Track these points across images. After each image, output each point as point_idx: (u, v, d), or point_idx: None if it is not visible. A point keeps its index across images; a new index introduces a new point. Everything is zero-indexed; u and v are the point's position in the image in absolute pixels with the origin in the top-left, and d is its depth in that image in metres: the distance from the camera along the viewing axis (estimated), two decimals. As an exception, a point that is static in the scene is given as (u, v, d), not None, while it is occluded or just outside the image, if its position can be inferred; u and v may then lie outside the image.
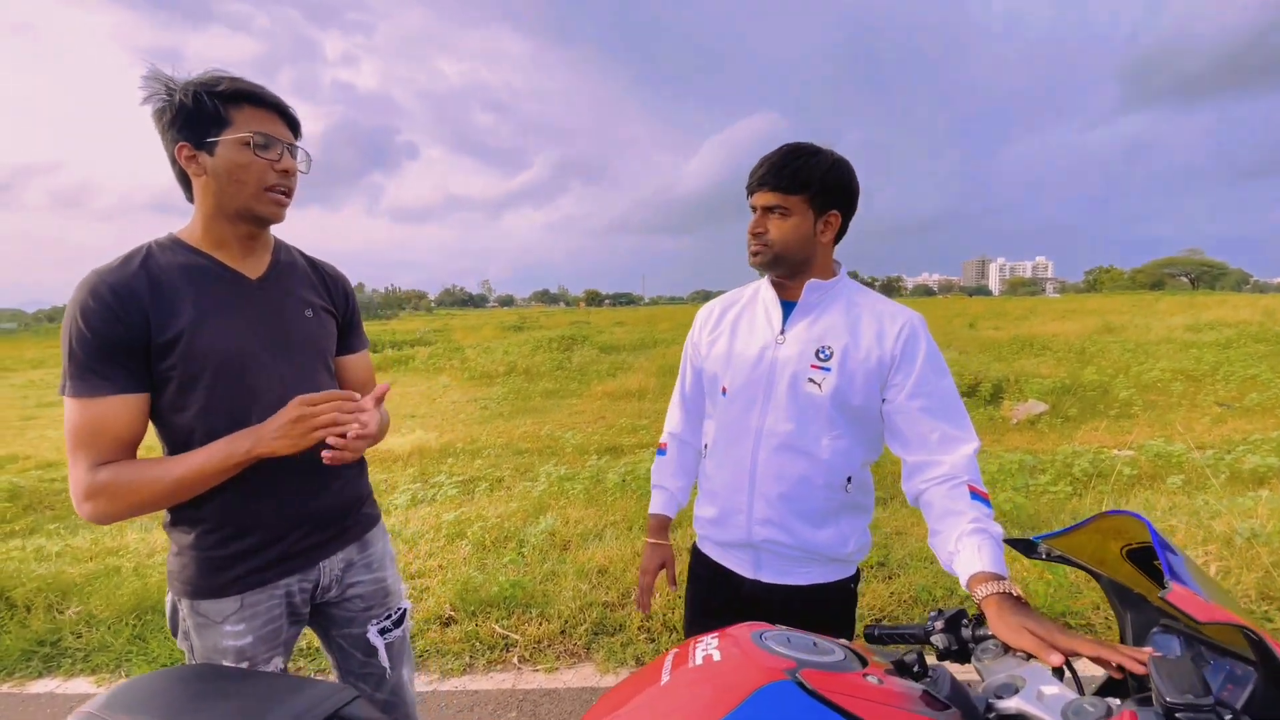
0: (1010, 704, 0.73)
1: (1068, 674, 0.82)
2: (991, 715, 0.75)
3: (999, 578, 0.97)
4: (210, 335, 1.07)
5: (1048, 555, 0.95)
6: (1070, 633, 0.83)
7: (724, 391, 1.37)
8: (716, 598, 1.42)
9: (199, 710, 0.89)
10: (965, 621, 0.93)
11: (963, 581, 1.02)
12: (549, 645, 2.70)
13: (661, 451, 1.57)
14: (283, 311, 1.18)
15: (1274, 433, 5.42)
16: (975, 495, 1.13)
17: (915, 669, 0.83)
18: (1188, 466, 4.94)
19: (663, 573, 1.51)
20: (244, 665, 1.14)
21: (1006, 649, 0.86)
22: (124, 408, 1.03)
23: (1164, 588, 0.70)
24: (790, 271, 1.32)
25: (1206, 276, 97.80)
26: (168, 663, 2.59)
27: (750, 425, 1.31)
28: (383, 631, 1.31)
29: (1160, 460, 5.12)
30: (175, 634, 1.18)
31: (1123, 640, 0.90)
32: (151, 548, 3.77)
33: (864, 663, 0.81)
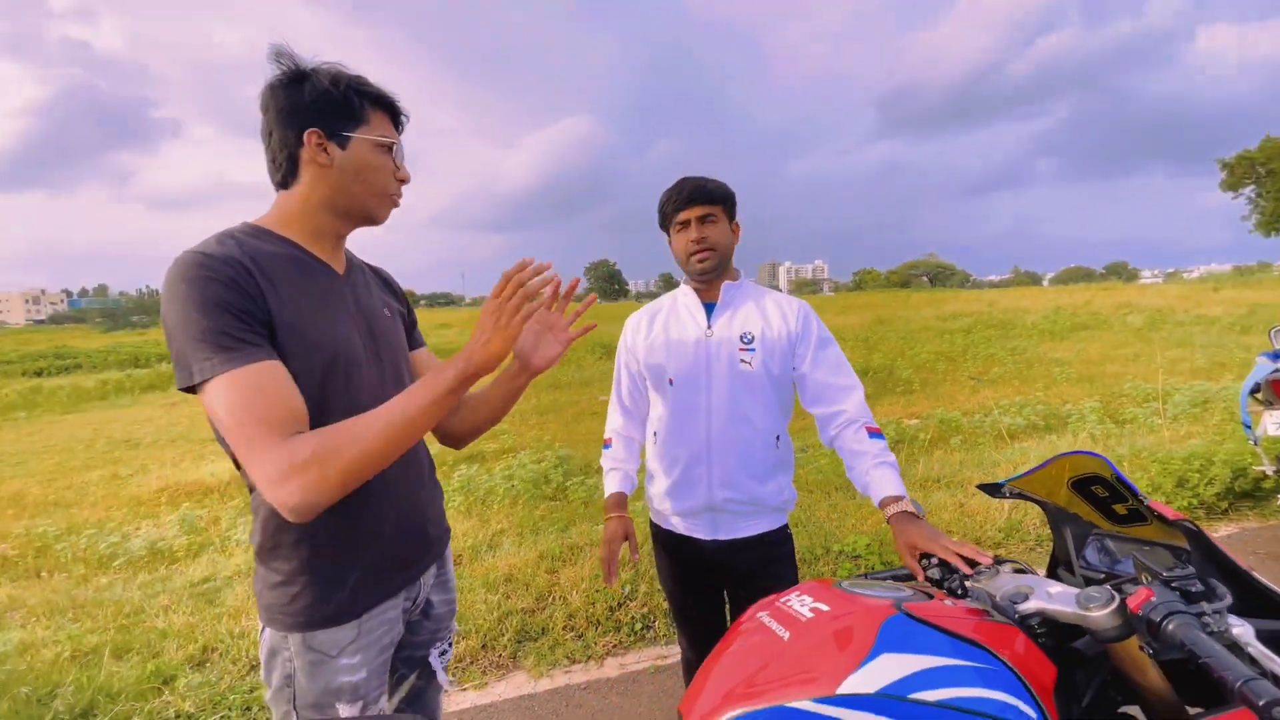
0: (1030, 606, 0.94)
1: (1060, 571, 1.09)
2: (1017, 617, 0.96)
3: (900, 498, 1.32)
4: (319, 328, 0.98)
5: (1009, 494, 1.21)
6: (933, 543, 1.15)
7: (670, 382, 1.57)
8: (686, 564, 1.63)
9: None
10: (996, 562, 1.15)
11: (875, 502, 1.36)
12: (473, 661, 2.59)
13: (607, 445, 1.74)
14: (369, 311, 1.11)
15: (1016, 398, 6.99)
16: (872, 434, 1.45)
17: (959, 592, 1.03)
18: (964, 429, 6.16)
19: (625, 543, 1.62)
20: (358, 706, 1.02)
21: (998, 570, 1.10)
22: (277, 372, 0.89)
23: (1140, 500, 0.96)
24: (720, 272, 1.57)
25: (941, 276, 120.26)
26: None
27: (699, 405, 1.53)
28: (441, 654, 1.25)
29: (944, 425, 6.32)
30: (269, 682, 1.01)
31: (1063, 549, 1.18)
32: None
33: (929, 595, 0.98)
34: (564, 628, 2.75)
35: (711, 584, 1.64)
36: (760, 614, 0.98)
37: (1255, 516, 3.60)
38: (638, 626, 2.74)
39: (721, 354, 1.53)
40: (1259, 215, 45.52)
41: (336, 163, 1.02)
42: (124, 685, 2.40)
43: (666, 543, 1.66)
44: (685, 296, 1.63)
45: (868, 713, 0.75)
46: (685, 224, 1.54)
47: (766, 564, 1.57)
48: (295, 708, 1.02)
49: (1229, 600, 0.81)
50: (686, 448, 1.55)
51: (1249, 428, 3.01)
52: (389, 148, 1.06)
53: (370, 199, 1.07)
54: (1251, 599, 0.88)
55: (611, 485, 1.68)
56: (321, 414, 0.97)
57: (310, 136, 1.00)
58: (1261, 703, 0.63)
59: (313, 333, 0.98)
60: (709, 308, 1.58)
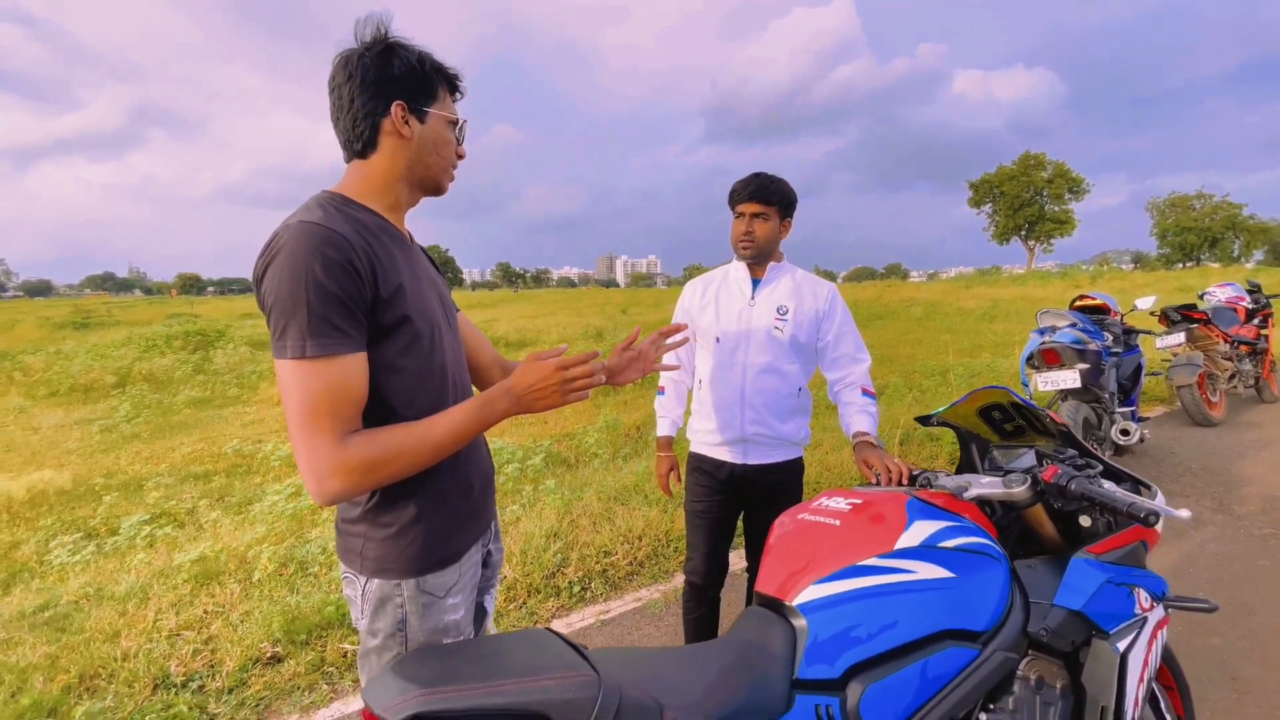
0: (972, 492, 1.34)
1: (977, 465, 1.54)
2: (964, 500, 1.36)
3: (867, 433, 1.80)
4: (420, 295, 1.04)
5: (937, 423, 1.64)
6: (876, 459, 1.60)
7: (718, 340, 1.90)
8: (720, 482, 1.98)
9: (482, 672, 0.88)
10: (915, 474, 1.55)
11: (849, 435, 1.83)
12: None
13: (661, 393, 2.09)
14: (436, 280, 1.17)
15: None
16: (865, 393, 1.89)
17: (929, 486, 1.41)
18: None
19: (672, 472, 2.11)
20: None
21: (938, 474, 1.50)
22: (360, 367, 0.94)
23: (1036, 412, 1.40)
24: (763, 258, 1.93)
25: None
26: None
27: (738, 360, 1.89)
28: (490, 599, 1.34)
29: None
30: (375, 632, 1.05)
31: (970, 459, 1.63)
32: None
33: (915, 487, 1.34)
34: (505, 599, 2.84)
35: (735, 500, 2.01)
36: (800, 515, 1.27)
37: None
38: (576, 589, 2.93)
39: (760, 321, 1.89)
40: (994, 227, 56.80)
41: (416, 135, 1.07)
42: (-7, 727, 2.05)
43: (705, 467, 2.01)
44: (736, 271, 1.98)
45: (918, 560, 1.07)
46: (742, 215, 1.87)
47: (783, 485, 1.96)
48: (406, 649, 1.09)
49: (1100, 468, 1.27)
50: (726, 392, 1.91)
51: (1026, 386, 4.01)
52: (455, 124, 1.14)
53: (439, 171, 1.14)
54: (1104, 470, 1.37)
55: (662, 429, 2.11)
56: (420, 377, 1.06)
57: (398, 108, 1.04)
58: (1142, 514, 1.06)
59: (418, 299, 1.05)
60: (755, 282, 1.95)
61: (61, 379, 10.46)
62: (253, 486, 5.25)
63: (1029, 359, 3.86)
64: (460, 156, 1.18)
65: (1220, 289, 6.11)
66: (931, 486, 1.40)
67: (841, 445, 4.85)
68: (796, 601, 1.07)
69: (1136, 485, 1.38)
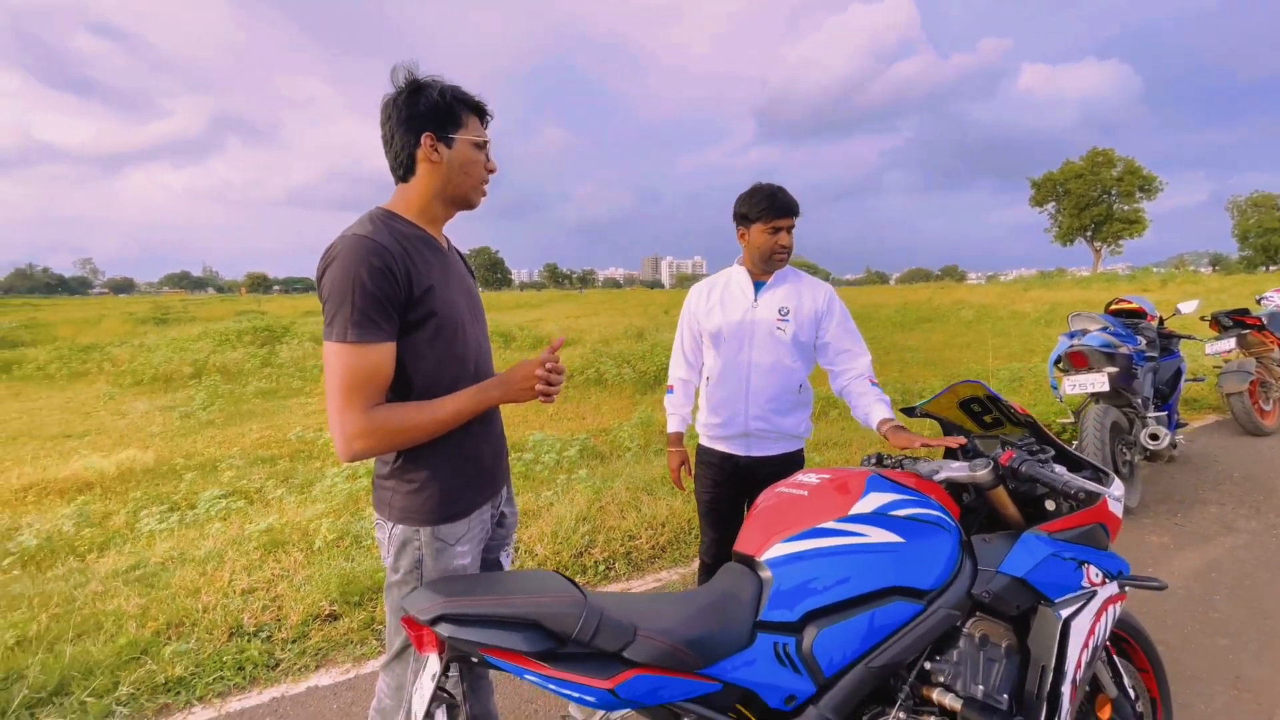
0: (941, 475, 1.48)
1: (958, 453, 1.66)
2: (932, 481, 1.49)
3: (891, 419, 1.86)
4: (448, 294, 1.25)
5: (921, 414, 1.77)
6: (911, 438, 1.70)
7: (724, 340, 2.06)
8: (725, 473, 2.15)
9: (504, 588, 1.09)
10: (889, 458, 1.69)
11: (874, 426, 1.88)
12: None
13: (670, 392, 2.23)
14: (466, 281, 1.38)
15: (879, 379, 8.14)
16: (873, 384, 2.00)
17: (901, 467, 1.55)
18: (840, 403, 7.13)
19: (683, 466, 2.23)
20: None
21: (926, 459, 1.64)
22: (389, 354, 1.16)
23: (1004, 404, 1.53)
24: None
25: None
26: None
27: (742, 359, 2.03)
28: (506, 555, 1.55)
29: (826, 401, 7.27)
30: (397, 569, 1.27)
31: (952, 448, 1.75)
32: None
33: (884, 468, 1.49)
34: (539, 563, 3.08)
35: (740, 490, 2.15)
36: (778, 489, 1.44)
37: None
38: (601, 568, 3.14)
39: (762, 322, 2.03)
40: (1057, 228, 54.23)
41: (445, 160, 1.27)
42: (96, 661, 2.40)
43: (711, 460, 2.17)
44: (739, 275, 2.12)
45: (869, 524, 1.23)
46: (777, 230, 1.99)
47: (782, 476, 2.08)
48: (421, 585, 1.30)
49: (1052, 453, 1.40)
50: (731, 389, 2.06)
51: (1055, 389, 3.99)
52: (482, 145, 1.33)
53: (470, 189, 1.34)
54: (1061, 456, 1.49)
55: (672, 426, 2.24)
56: (443, 361, 1.26)
57: (426, 139, 1.25)
58: (1071, 490, 1.19)
59: (446, 298, 1.26)
60: (758, 285, 2.08)
61: (144, 369, 11.39)
62: (314, 470, 5.69)
63: (1057, 362, 3.85)
64: (491, 171, 1.37)
65: (1278, 293, 5.85)
66: (903, 469, 1.55)
67: (871, 445, 4.93)
68: (764, 557, 1.25)
69: (1097, 474, 1.49)
